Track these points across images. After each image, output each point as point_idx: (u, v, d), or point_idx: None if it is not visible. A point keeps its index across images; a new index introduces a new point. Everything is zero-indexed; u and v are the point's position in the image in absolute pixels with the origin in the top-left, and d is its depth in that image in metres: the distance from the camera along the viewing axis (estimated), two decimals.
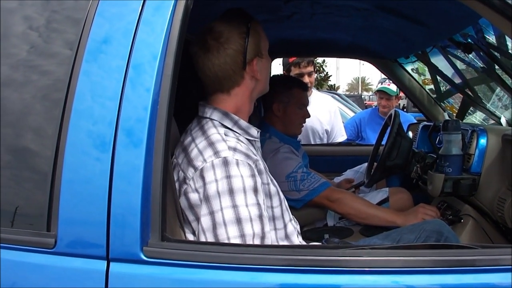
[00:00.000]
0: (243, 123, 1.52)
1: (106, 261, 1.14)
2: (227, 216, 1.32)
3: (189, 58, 1.53)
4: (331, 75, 30.83)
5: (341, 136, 3.83)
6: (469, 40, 2.35)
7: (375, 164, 2.63)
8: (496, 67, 2.40)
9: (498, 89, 2.76)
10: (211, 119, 1.49)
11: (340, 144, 3.73)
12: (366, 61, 3.56)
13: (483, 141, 2.08)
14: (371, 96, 23.38)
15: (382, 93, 4.08)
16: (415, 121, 3.66)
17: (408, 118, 3.93)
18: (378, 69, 3.47)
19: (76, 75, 1.22)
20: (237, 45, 1.47)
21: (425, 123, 2.97)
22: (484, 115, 2.99)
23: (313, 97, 3.68)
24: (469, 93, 2.94)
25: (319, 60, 24.79)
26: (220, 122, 1.49)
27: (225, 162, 1.35)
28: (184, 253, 1.15)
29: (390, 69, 3.36)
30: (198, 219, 1.37)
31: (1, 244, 1.20)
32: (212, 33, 1.48)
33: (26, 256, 1.19)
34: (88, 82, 1.21)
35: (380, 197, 2.57)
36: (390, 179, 2.89)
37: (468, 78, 2.88)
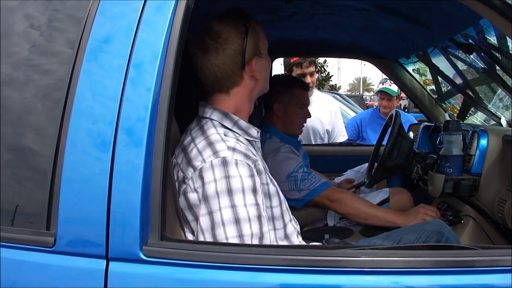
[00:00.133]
0: (243, 123, 1.52)
1: (105, 260, 1.14)
2: (225, 216, 1.32)
3: (189, 58, 1.53)
4: (332, 75, 30.85)
5: (342, 136, 3.84)
6: (470, 40, 2.34)
7: (376, 164, 2.63)
8: (497, 67, 2.40)
9: (499, 90, 2.76)
10: (211, 119, 1.49)
11: (341, 144, 3.74)
12: (367, 61, 3.56)
13: (483, 141, 2.08)
14: (372, 97, 23.38)
15: (383, 94, 4.08)
16: (416, 122, 3.66)
17: (408, 118, 3.93)
18: (379, 69, 3.47)
19: (76, 74, 1.22)
20: (235, 45, 1.47)
21: (426, 123, 2.97)
22: (485, 115, 2.98)
23: (314, 97, 3.69)
24: (470, 93, 2.94)
25: (320, 60, 24.80)
26: (219, 122, 1.49)
27: (224, 162, 1.35)
28: (184, 252, 1.15)
29: (391, 69, 3.36)
30: (197, 219, 1.37)
31: (1, 243, 1.20)
32: (210, 33, 1.48)
33: (25, 255, 1.19)
34: (88, 81, 1.21)
35: (380, 197, 2.56)
36: (391, 179, 2.89)
37: (469, 79, 2.88)
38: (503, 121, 2.73)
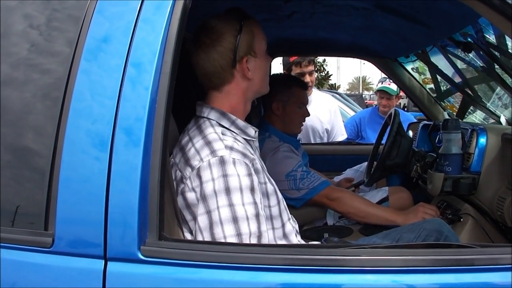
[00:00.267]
0: (240, 122, 1.52)
1: (103, 260, 1.14)
2: (223, 215, 1.32)
3: (188, 57, 1.54)
4: (331, 74, 30.87)
5: (341, 135, 3.84)
6: (469, 39, 2.34)
7: (375, 163, 2.63)
8: (496, 66, 2.40)
9: (498, 89, 2.76)
10: (209, 119, 1.49)
11: (340, 143, 3.74)
12: (367, 60, 3.56)
13: (482, 140, 2.07)
14: (372, 96, 23.39)
15: (382, 93, 4.07)
16: (415, 120, 3.66)
17: (408, 117, 3.93)
18: (379, 68, 3.47)
19: (74, 73, 1.21)
20: (227, 42, 1.47)
21: (425, 122, 2.97)
22: (484, 114, 2.98)
23: (314, 96, 3.69)
24: (469, 92, 2.94)
25: (320, 59, 24.79)
26: (217, 122, 1.49)
27: (222, 161, 1.35)
28: (182, 252, 1.15)
29: (390, 68, 3.36)
30: (195, 218, 1.36)
31: None
32: (205, 30, 1.49)
33: (23, 256, 1.19)
34: (87, 80, 1.21)
35: (380, 196, 2.56)
36: (390, 178, 2.89)
37: (468, 78, 2.88)
38: (503, 120, 2.73)
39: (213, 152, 1.37)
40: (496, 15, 1.28)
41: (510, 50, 2.22)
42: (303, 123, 2.63)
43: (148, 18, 1.23)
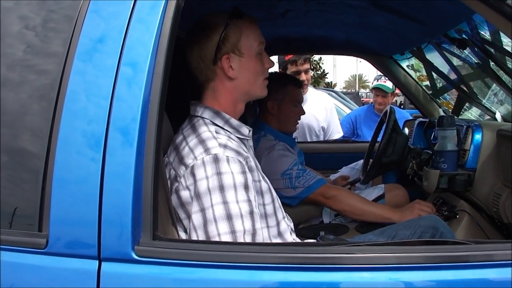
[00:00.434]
0: (234, 121, 1.51)
1: (97, 261, 1.14)
2: (217, 212, 1.32)
3: (184, 57, 1.54)
4: (327, 73, 30.88)
5: (337, 133, 3.84)
6: (464, 36, 2.34)
7: (371, 160, 2.63)
8: (491, 62, 2.40)
9: (493, 85, 2.76)
10: (202, 118, 1.49)
11: (336, 141, 3.74)
12: (362, 58, 3.56)
13: (478, 136, 2.07)
14: (368, 93, 23.40)
15: (378, 90, 4.07)
16: (411, 118, 3.66)
17: (403, 115, 3.93)
18: (374, 66, 3.47)
19: (68, 74, 1.21)
20: (211, 39, 1.47)
21: (421, 119, 2.97)
22: (480, 111, 2.99)
23: (309, 95, 3.69)
24: (465, 89, 2.94)
25: (316, 57, 24.78)
26: (211, 121, 1.49)
27: (216, 159, 1.35)
28: (176, 252, 1.14)
29: (385, 65, 3.36)
30: (189, 217, 1.36)
31: None
32: (196, 26, 1.51)
33: (17, 257, 1.18)
34: (80, 81, 1.20)
35: (376, 193, 2.56)
36: (386, 175, 2.90)
37: (464, 74, 2.88)
38: (498, 116, 2.73)
39: (207, 150, 1.37)
40: (490, 11, 1.28)
41: (504, 47, 2.22)
42: (299, 121, 2.62)
43: (141, 18, 1.22)
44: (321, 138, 3.76)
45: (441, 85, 3.27)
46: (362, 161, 2.85)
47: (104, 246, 1.13)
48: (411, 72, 3.36)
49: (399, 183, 2.73)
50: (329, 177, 3.00)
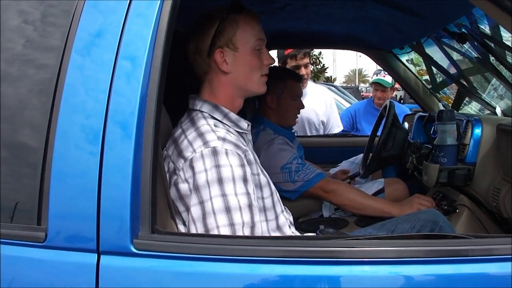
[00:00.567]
0: (233, 115, 1.51)
1: (96, 254, 1.14)
2: (216, 205, 1.32)
3: (183, 52, 1.54)
4: (327, 67, 30.79)
5: (337, 127, 3.84)
6: (463, 30, 2.34)
7: (371, 155, 2.63)
8: (491, 57, 2.39)
9: (493, 80, 2.76)
10: (201, 111, 1.50)
11: (335, 135, 3.74)
12: (361, 52, 3.54)
13: (478, 131, 2.07)
14: (368, 88, 23.40)
15: (377, 85, 4.07)
16: (410, 112, 3.66)
17: (403, 109, 3.93)
18: (374, 60, 3.46)
19: (66, 68, 1.21)
20: (206, 33, 1.48)
21: (421, 113, 2.97)
22: (479, 105, 2.98)
23: (309, 89, 3.68)
24: (465, 83, 2.93)
25: (315, 52, 24.71)
26: (210, 114, 1.49)
27: (214, 152, 1.35)
28: (175, 245, 1.14)
29: (385, 60, 3.35)
30: (188, 210, 1.36)
31: None
32: (198, 19, 1.52)
33: (16, 250, 1.18)
34: (79, 75, 1.20)
35: (375, 187, 2.56)
36: (386, 169, 2.89)
37: (463, 69, 2.87)
38: (498, 110, 2.73)
39: (205, 143, 1.37)
40: (490, 5, 1.27)
41: (504, 41, 2.21)
42: (298, 115, 2.62)
43: (138, 12, 1.22)
44: (321, 132, 3.76)
45: (440, 80, 3.26)
46: (361, 155, 2.85)
47: (103, 239, 1.13)
48: (411, 67, 3.36)
49: (398, 177, 2.73)
50: (328, 171, 3.00)
